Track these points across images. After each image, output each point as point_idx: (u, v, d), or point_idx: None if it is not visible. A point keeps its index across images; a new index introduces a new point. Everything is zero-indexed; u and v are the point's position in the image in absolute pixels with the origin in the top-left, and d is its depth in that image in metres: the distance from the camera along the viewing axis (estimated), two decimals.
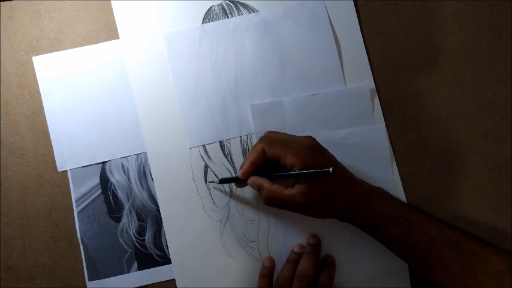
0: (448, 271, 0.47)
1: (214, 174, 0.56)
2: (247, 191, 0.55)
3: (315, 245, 0.53)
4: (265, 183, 0.49)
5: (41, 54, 0.58)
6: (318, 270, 0.52)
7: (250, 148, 0.56)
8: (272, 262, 0.54)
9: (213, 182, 0.55)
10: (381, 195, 0.51)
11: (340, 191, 0.49)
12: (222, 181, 0.53)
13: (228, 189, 0.56)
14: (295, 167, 0.47)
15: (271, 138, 0.51)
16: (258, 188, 0.50)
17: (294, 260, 0.53)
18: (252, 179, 0.50)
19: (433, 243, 0.47)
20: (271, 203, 0.49)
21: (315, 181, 0.47)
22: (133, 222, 0.55)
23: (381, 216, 0.49)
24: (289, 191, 0.48)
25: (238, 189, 0.55)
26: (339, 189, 0.48)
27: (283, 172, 0.49)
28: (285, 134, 0.53)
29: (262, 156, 0.49)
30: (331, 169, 0.45)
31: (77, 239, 0.55)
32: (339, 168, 0.50)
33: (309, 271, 0.51)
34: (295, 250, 0.53)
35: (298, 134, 0.55)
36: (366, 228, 0.50)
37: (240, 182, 0.52)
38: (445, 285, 0.48)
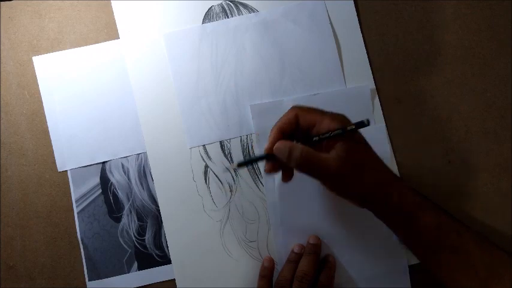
0: (475, 273, 0.44)
1: (215, 174, 0.56)
2: (247, 191, 0.55)
3: (315, 245, 0.53)
4: (297, 144, 0.44)
5: (41, 54, 0.58)
6: (318, 270, 0.52)
7: (250, 148, 0.56)
8: (272, 262, 0.54)
9: (234, 168, 0.51)
10: (413, 188, 0.47)
11: (377, 164, 0.45)
12: (241, 164, 0.47)
13: (228, 189, 0.56)
14: (331, 130, 0.43)
15: (305, 106, 0.46)
16: (289, 150, 0.44)
17: (294, 260, 0.53)
18: (281, 143, 0.44)
19: (462, 239, 0.44)
20: (304, 165, 0.44)
21: (352, 147, 0.43)
22: (133, 222, 0.55)
23: (414, 202, 0.45)
24: (325, 155, 0.43)
25: (238, 189, 0.55)
26: (376, 161, 0.45)
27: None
28: None
29: (293, 123, 0.45)
30: (366, 119, 0.42)
31: (77, 239, 0.55)
32: (374, 153, 0.46)
33: (309, 271, 0.51)
34: (295, 250, 0.53)
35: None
36: (395, 214, 0.45)
37: (269, 160, 0.46)
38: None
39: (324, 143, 0.44)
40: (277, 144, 0.45)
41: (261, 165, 0.56)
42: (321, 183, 0.45)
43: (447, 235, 0.45)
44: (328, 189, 0.46)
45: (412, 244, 0.47)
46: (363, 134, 0.55)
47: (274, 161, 0.46)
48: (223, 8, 0.59)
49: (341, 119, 0.45)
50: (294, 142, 0.44)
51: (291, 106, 0.56)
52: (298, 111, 0.45)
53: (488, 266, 0.44)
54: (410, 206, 0.45)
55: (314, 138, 0.44)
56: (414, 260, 0.54)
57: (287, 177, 0.49)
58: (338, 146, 0.43)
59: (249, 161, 0.50)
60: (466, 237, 0.45)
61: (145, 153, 0.56)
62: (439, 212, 0.45)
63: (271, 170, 0.47)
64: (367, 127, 0.56)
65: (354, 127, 0.43)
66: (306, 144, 0.44)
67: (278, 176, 0.55)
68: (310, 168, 0.44)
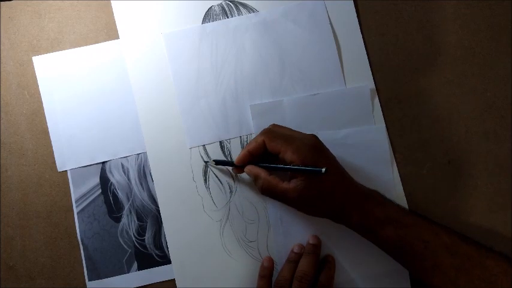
0: (443, 275, 0.46)
1: (214, 174, 0.56)
2: (247, 191, 0.56)
3: (315, 245, 0.53)
4: (262, 173, 0.50)
5: (41, 54, 0.58)
6: (318, 270, 0.52)
7: None
8: (271, 262, 0.54)
9: (208, 162, 0.55)
10: (377, 198, 0.51)
11: (336, 192, 0.48)
12: (218, 163, 0.55)
13: (228, 189, 0.56)
14: (293, 163, 0.48)
15: (274, 132, 0.51)
16: (255, 177, 0.51)
17: (294, 260, 0.53)
18: (249, 168, 0.51)
19: (428, 246, 0.47)
20: (266, 192, 0.51)
21: (311, 179, 0.47)
22: (133, 222, 0.55)
23: (375, 219, 0.48)
24: (285, 185, 0.49)
25: (238, 189, 0.55)
26: (335, 190, 0.48)
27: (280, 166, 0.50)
28: (289, 129, 0.53)
29: (261, 147, 0.50)
30: (323, 169, 0.46)
31: (77, 239, 0.55)
32: (337, 169, 0.50)
33: (309, 271, 0.51)
34: (295, 250, 0.53)
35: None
36: (361, 231, 0.50)
37: (237, 167, 0.53)
38: None
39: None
40: (248, 167, 0.52)
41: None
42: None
43: (411, 245, 0.47)
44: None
45: (384, 251, 0.50)
46: (363, 134, 0.56)
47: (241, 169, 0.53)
48: (223, 8, 0.59)
49: (303, 150, 0.48)
50: (261, 169, 0.51)
51: (290, 106, 0.56)
52: (265, 138, 0.50)
53: (457, 267, 0.46)
54: (370, 222, 0.48)
55: (279, 165, 0.50)
56: None
57: (237, 170, 0.55)
58: (300, 177, 0.48)
59: (226, 163, 0.55)
60: (432, 244, 0.47)
61: (145, 153, 0.56)
62: (402, 223, 0.48)
63: (237, 173, 0.55)
64: (367, 127, 0.56)
65: (308, 171, 0.47)
66: (268, 168, 0.50)
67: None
68: (272, 196, 0.51)
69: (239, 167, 0.53)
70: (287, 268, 0.52)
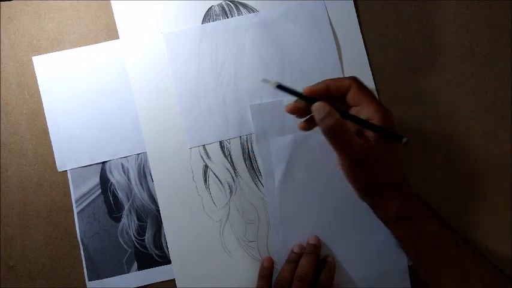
0: (468, 286, 0.44)
1: (214, 174, 0.56)
2: (247, 191, 0.55)
3: (315, 246, 0.53)
4: (335, 112, 0.43)
5: (41, 54, 0.58)
6: (318, 270, 0.52)
7: (250, 148, 0.56)
8: (271, 262, 0.54)
9: (267, 80, 0.46)
10: (419, 197, 0.48)
11: (395, 170, 0.45)
12: (280, 87, 0.46)
13: (228, 189, 0.56)
14: (372, 120, 0.44)
15: (361, 83, 0.46)
16: (326, 115, 0.43)
17: (294, 260, 0.53)
18: (323, 104, 0.44)
19: (459, 251, 0.45)
20: (331, 135, 0.44)
21: (381, 143, 0.44)
22: (133, 222, 0.55)
23: (417, 210, 0.45)
24: (354, 136, 0.43)
25: (238, 189, 0.55)
26: (397, 166, 0.45)
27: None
28: None
29: (343, 89, 0.45)
30: (405, 139, 0.43)
31: (77, 239, 0.55)
32: (398, 154, 0.46)
33: (309, 271, 0.51)
34: (295, 250, 0.53)
35: (298, 134, 0.55)
36: (397, 219, 0.46)
37: (301, 98, 0.46)
38: None
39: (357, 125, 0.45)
40: (317, 103, 0.44)
41: (261, 165, 0.56)
42: (337, 159, 0.45)
43: (445, 245, 0.45)
44: (340, 168, 0.46)
45: (409, 248, 0.47)
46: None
47: (302, 102, 0.46)
48: (223, 8, 0.59)
49: (385, 116, 0.44)
50: (333, 109, 0.44)
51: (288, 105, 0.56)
52: (354, 82, 0.45)
53: (485, 282, 0.44)
54: (411, 211, 0.45)
55: (351, 116, 0.44)
56: None
57: (306, 127, 0.49)
58: (370, 135, 0.44)
59: (290, 91, 0.46)
60: (464, 251, 0.45)
61: (145, 153, 0.56)
62: (441, 224, 0.46)
63: (291, 111, 0.47)
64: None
65: (388, 134, 0.43)
66: (342, 114, 0.44)
67: (278, 176, 0.55)
68: (336, 140, 0.44)
69: (304, 98, 0.46)
70: (287, 268, 0.52)
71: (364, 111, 0.44)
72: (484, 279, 0.44)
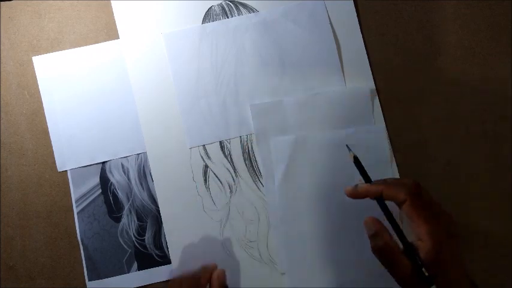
0: None
1: (214, 174, 0.56)
2: (247, 191, 0.55)
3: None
4: (386, 233, 0.43)
5: (41, 54, 0.58)
6: None
7: (250, 148, 0.56)
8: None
9: (349, 149, 0.47)
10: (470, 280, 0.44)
11: (451, 273, 0.42)
12: (356, 161, 0.46)
13: (228, 189, 0.56)
14: (420, 240, 0.41)
15: (422, 200, 0.43)
16: (375, 233, 0.43)
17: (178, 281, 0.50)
18: (372, 220, 0.43)
19: None
20: (380, 256, 0.43)
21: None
22: (133, 222, 0.55)
23: None
24: (404, 260, 0.42)
25: (238, 189, 0.55)
26: (451, 270, 0.42)
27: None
28: (434, 203, 0.44)
29: (396, 200, 0.43)
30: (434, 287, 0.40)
31: (77, 239, 0.55)
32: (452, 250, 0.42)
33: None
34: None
35: (299, 134, 0.55)
36: None
37: (367, 188, 0.45)
38: None
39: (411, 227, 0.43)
40: (369, 218, 0.44)
41: (261, 165, 0.56)
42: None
43: None
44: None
45: None
46: (363, 134, 0.56)
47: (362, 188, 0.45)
48: (223, 8, 0.59)
49: (433, 245, 0.41)
50: (384, 228, 0.43)
51: (290, 106, 0.56)
52: (409, 200, 0.42)
53: None
54: None
55: (416, 260, 0.42)
56: None
57: (354, 196, 0.47)
58: (422, 254, 0.41)
59: (360, 169, 0.46)
60: None
61: (145, 153, 0.56)
62: None
63: (351, 195, 0.46)
64: (367, 127, 0.56)
65: (418, 274, 0.41)
66: (393, 225, 0.43)
67: (278, 176, 0.55)
68: (384, 260, 0.43)
69: (364, 190, 0.44)
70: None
71: (416, 229, 0.42)
72: None
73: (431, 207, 0.43)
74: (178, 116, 0.57)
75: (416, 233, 0.42)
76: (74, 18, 0.58)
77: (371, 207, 0.52)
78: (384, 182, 0.44)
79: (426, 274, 0.40)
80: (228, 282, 0.54)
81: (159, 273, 0.55)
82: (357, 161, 0.46)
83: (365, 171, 0.46)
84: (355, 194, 0.45)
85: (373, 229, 0.43)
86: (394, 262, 0.42)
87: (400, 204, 0.43)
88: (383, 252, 0.43)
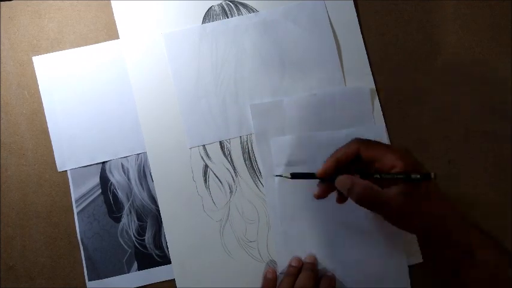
0: None
1: (214, 174, 0.56)
2: (247, 191, 0.55)
3: (313, 264, 0.53)
4: (358, 179, 0.44)
5: (41, 54, 0.58)
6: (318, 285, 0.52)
7: (250, 148, 0.56)
8: (274, 274, 0.53)
9: (281, 175, 0.50)
10: (470, 220, 0.46)
11: (438, 202, 0.45)
12: (295, 176, 0.49)
13: (228, 189, 0.56)
14: (395, 168, 0.44)
15: (366, 140, 0.47)
16: (351, 186, 0.44)
17: (293, 273, 0.52)
18: (342, 179, 0.45)
19: None
20: (365, 201, 0.45)
21: (416, 186, 0.43)
22: (133, 222, 0.55)
23: (475, 240, 0.44)
24: (386, 192, 0.43)
25: (238, 189, 0.55)
26: (437, 199, 0.45)
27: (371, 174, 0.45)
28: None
29: (352, 155, 0.46)
30: (433, 174, 0.43)
31: (77, 239, 0.55)
32: (434, 183, 0.46)
33: (308, 286, 0.50)
34: (293, 264, 0.53)
35: (299, 134, 0.55)
36: (456, 250, 0.44)
37: (321, 180, 0.48)
38: None
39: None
40: (339, 178, 0.46)
41: (261, 165, 0.56)
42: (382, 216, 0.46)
43: (505, 273, 0.44)
44: (388, 222, 0.46)
45: (468, 279, 0.45)
46: (363, 134, 0.56)
47: (323, 186, 0.48)
48: (223, 8, 0.59)
49: (404, 155, 0.44)
50: (355, 176, 0.45)
51: (291, 106, 0.56)
52: (361, 145, 0.46)
53: None
54: (469, 243, 0.44)
55: (375, 176, 0.45)
56: (414, 260, 0.54)
57: (341, 200, 0.50)
58: (401, 183, 0.44)
59: (302, 176, 0.49)
60: None
61: (145, 153, 0.56)
62: (498, 250, 0.45)
63: (319, 197, 0.49)
64: (367, 127, 0.56)
65: (418, 177, 0.43)
66: (365, 177, 0.45)
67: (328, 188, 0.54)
68: (371, 204, 0.45)
69: (323, 179, 0.48)
70: (286, 282, 0.51)
71: (384, 163, 0.44)
72: None
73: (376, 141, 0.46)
74: (178, 116, 0.57)
75: (387, 165, 0.44)
76: (74, 18, 0.58)
77: None
78: (328, 159, 0.47)
79: (418, 176, 0.43)
80: (228, 282, 0.54)
81: (159, 273, 0.55)
82: (295, 175, 0.49)
83: (306, 173, 0.48)
84: (324, 189, 0.48)
85: (347, 183, 0.45)
86: (379, 200, 0.44)
87: (357, 155, 0.45)
88: (365, 195, 0.44)
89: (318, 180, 0.48)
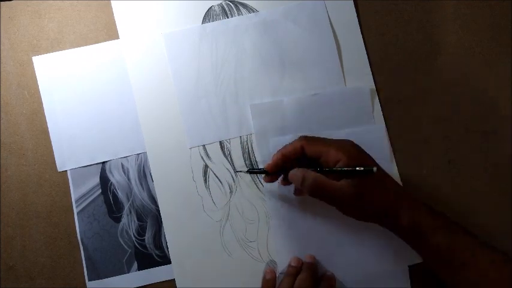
0: None
1: (214, 174, 0.56)
2: (247, 191, 0.56)
3: (312, 263, 0.53)
4: (309, 172, 0.47)
5: (41, 54, 0.58)
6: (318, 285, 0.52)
7: (250, 148, 0.56)
8: (273, 274, 0.53)
9: (240, 171, 0.55)
10: (425, 204, 0.48)
11: (388, 192, 0.47)
12: (251, 171, 0.53)
13: (228, 189, 0.56)
14: (339, 161, 0.46)
15: (312, 137, 0.49)
16: (303, 178, 0.47)
17: (292, 274, 0.52)
18: (294, 172, 0.48)
19: (475, 256, 0.45)
20: (315, 192, 0.47)
21: (362, 177, 0.45)
22: (133, 222, 0.55)
23: (426, 223, 0.46)
24: (335, 183, 0.46)
25: (238, 189, 0.55)
26: (386, 189, 0.47)
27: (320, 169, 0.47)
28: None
29: (297, 151, 0.48)
30: (375, 168, 0.44)
31: (77, 239, 0.55)
32: (382, 170, 0.48)
33: (307, 286, 0.50)
34: (293, 264, 0.53)
35: (298, 134, 0.55)
36: (409, 236, 0.47)
37: (269, 175, 0.51)
38: None
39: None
40: (292, 171, 0.48)
41: (261, 165, 0.56)
42: (335, 208, 0.48)
43: (459, 254, 0.45)
44: (341, 213, 0.48)
45: (426, 261, 0.48)
46: (363, 134, 0.56)
47: (272, 176, 0.51)
48: (223, 8, 0.59)
49: (347, 149, 0.47)
50: (306, 169, 0.47)
51: (290, 106, 0.56)
52: (304, 142, 0.48)
53: (503, 282, 0.44)
54: (421, 226, 0.46)
55: (325, 169, 0.47)
56: (414, 260, 0.54)
57: (298, 192, 0.53)
58: (349, 176, 0.46)
59: (259, 172, 0.53)
60: (479, 255, 0.45)
61: (145, 153, 0.56)
62: (452, 230, 0.46)
63: (268, 181, 0.52)
64: (367, 127, 0.56)
65: (362, 170, 0.45)
66: (315, 171, 0.47)
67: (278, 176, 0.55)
68: (322, 195, 0.47)
69: (272, 175, 0.51)
70: (286, 282, 0.51)
71: (328, 157, 0.46)
72: (503, 279, 0.44)
73: (321, 137, 0.49)
74: (178, 116, 0.57)
75: (331, 161, 0.46)
76: (74, 18, 0.58)
77: None
78: (274, 155, 0.50)
79: (362, 168, 0.45)
80: (228, 282, 0.54)
81: (159, 273, 0.55)
82: (251, 171, 0.53)
83: (258, 169, 0.53)
84: (272, 168, 0.50)
85: (299, 176, 0.47)
86: (330, 190, 0.46)
87: (302, 152, 0.48)
88: (316, 187, 0.47)
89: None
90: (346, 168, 0.45)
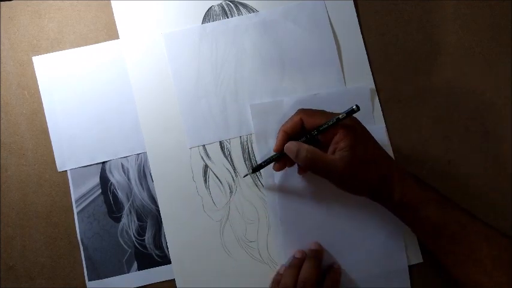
0: (479, 263, 0.45)
1: (214, 174, 0.56)
2: (247, 191, 0.55)
3: (317, 251, 0.53)
4: (304, 145, 0.48)
5: (41, 54, 0.58)
6: (323, 276, 0.51)
7: (250, 148, 0.56)
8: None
9: (246, 174, 0.55)
10: (416, 176, 0.49)
11: (380, 163, 0.47)
12: (256, 169, 0.53)
13: (228, 189, 0.56)
14: (337, 132, 0.47)
15: (309, 109, 0.50)
16: (297, 150, 0.48)
17: (296, 265, 0.51)
18: (288, 145, 0.49)
19: (465, 229, 0.46)
20: (310, 164, 0.47)
21: (354, 147, 0.46)
22: (133, 222, 0.55)
23: (417, 196, 0.47)
24: (330, 156, 0.47)
25: (238, 189, 0.55)
26: (379, 160, 0.47)
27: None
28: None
29: (298, 126, 0.49)
30: (355, 106, 0.46)
31: (77, 239, 0.55)
32: (377, 143, 0.49)
33: (311, 277, 0.49)
34: (297, 255, 0.53)
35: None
36: (399, 209, 0.48)
37: (278, 158, 0.51)
38: (475, 280, 0.45)
39: (330, 148, 0.48)
40: (287, 144, 0.49)
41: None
42: (329, 181, 0.48)
43: (449, 226, 0.46)
44: (335, 186, 0.48)
45: (418, 234, 0.50)
46: None
47: (281, 160, 0.51)
48: (223, 8, 0.59)
49: (347, 119, 0.47)
50: (300, 142, 0.48)
51: (290, 106, 0.56)
52: (302, 114, 0.49)
53: (494, 257, 0.45)
54: (412, 199, 0.47)
55: (313, 132, 0.48)
56: (414, 260, 0.54)
57: (302, 170, 0.54)
58: (342, 145, 0.46)
59: (262, 165, 0.52)
60: (469, 229, 0.46)
61: (145, 153, 0.56)
62: (442, 204, 0.47)
63: (279, 169, 0.52)
64: (367, 127, 0.56)
65: (345, 115, 0.46)
66: (313, 144, 0.48)
67: (278, 176, 0.55)
68: (317, 167, 0.47)
69: (280, 159, 0.51)
70: (289, 274, 0.50)
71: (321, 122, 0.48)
72: (493, 255, 0.45)
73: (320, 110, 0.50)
74: (178, 116, 0.57)
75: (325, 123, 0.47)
76: (74, 18, 0.58)
77: (371, 207, 0.52)
78: (278, 133, 0.51)
79: (344, 114, 0.46)
80: (228, 282, 0.54)
81: (159, 273, 0.55)
82: (257, 168, 0.53)
83: (266, 160, 0.52)
84: (279, 148, 0.50)
85: (294, 150, 0.48)
86: (323, 161, 0.47)
87: (302, 124, 0.49)
88: (310, 159, 0.47)
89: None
90: (329, 122, 0.47)
